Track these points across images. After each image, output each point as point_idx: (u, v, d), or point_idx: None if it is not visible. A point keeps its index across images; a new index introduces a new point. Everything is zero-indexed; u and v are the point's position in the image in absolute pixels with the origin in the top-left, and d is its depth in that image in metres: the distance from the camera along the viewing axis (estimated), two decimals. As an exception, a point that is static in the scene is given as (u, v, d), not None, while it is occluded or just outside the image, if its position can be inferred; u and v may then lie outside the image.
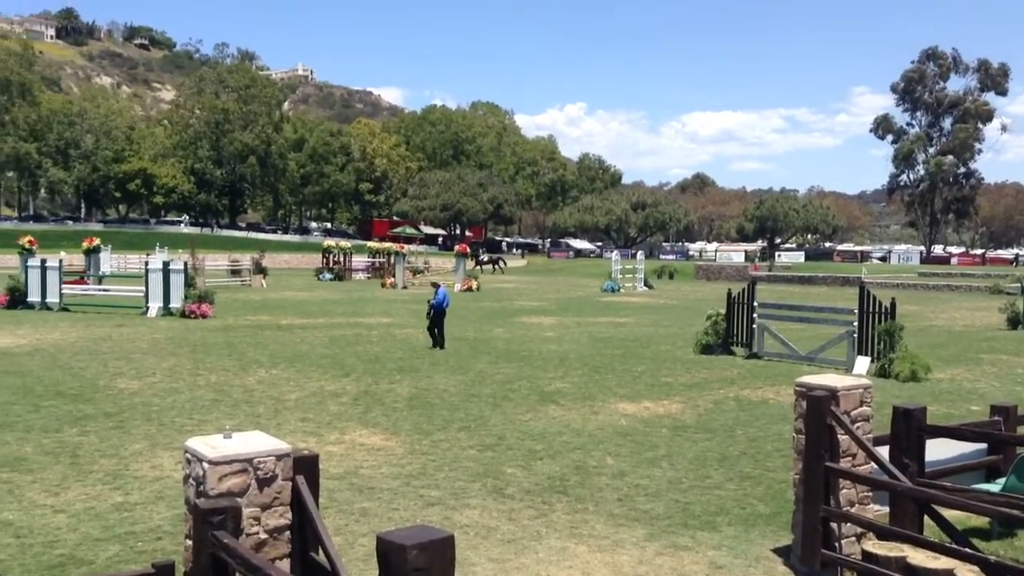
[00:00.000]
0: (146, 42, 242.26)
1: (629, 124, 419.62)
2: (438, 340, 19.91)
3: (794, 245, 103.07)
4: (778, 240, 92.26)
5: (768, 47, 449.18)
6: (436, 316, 20.09)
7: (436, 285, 21.27)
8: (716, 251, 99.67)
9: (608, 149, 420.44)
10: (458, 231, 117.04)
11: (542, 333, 23.73)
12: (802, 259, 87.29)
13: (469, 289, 43.32)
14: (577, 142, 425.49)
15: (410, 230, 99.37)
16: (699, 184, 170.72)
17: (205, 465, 4.11)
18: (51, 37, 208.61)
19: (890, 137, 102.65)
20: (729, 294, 20.62)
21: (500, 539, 7.38)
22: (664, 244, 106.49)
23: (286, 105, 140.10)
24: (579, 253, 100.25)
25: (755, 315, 19.74)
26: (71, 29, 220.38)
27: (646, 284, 49.10)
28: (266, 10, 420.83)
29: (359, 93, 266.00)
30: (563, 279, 62.74)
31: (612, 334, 23.79)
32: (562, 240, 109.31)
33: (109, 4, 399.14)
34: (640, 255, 53.88)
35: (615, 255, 54.64)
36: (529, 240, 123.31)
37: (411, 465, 9.66)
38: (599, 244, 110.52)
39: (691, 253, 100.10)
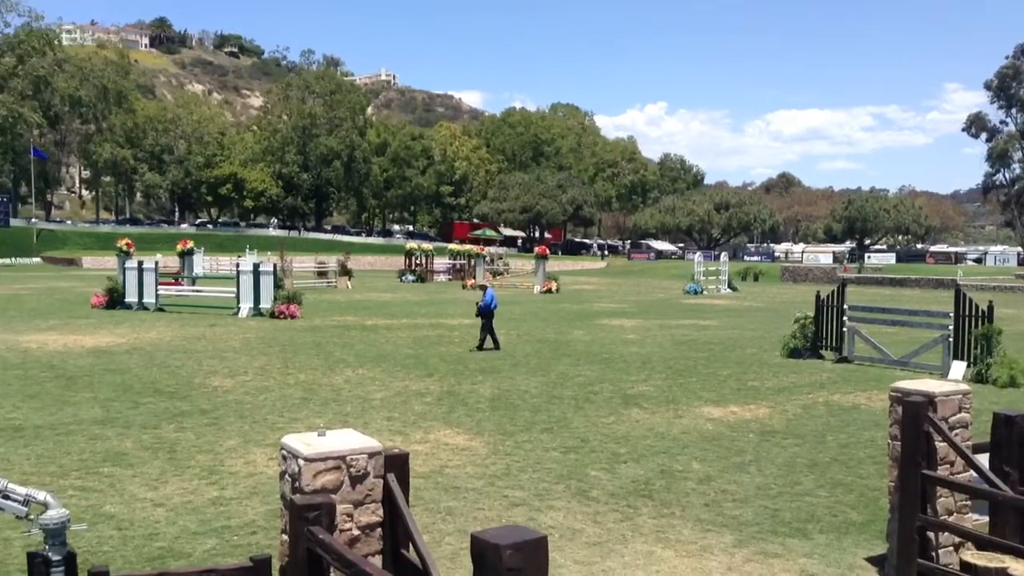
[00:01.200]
0: (236, 50, 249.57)
1: (711, 123, 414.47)
2: (489, 341, 19.96)
3: (884, 246, 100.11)
4: (867, 241, 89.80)
5: (856, 43, 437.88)
6: (484, 318, 20.18)
7: (483, 287, 21.59)
8: (803, 252, 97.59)
9: (690, 149, 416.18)
10: (537, 233, 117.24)
11: (623, 335, 23.57)
12: (893, 261, 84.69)
13: (549, 291, 43.34)
14: (658, 142, 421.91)
15: (490, 232, 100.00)
16: (784, 184, 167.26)
17: (300, 462, 4.20)
18: (145, 46, 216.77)
19: (984, 135, 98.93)
20: (818, 296, 20.14)
21: (585, 542, 7.36)
22: (748, 245, 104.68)
23: (369, 110, 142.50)
24: (660, 255, 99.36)
25: (845, 318, 19.23)
26: (164, 38, 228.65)
27: (730, 286, 48.33)
28: (351, 17, 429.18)
29: (440, 97, 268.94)
30: (644, 281, 62.23)
31: (695, 337, 23.49)
32: (642, 241, 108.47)
33: (200, 13, 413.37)
34: (724, 256, 53.10)
35: (698, 256, 53.97)
36: (609, 241, 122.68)
37: (495, 465, 9.71)
38: (681, 246, 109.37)
39: (776, 255, 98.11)
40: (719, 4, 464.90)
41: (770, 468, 9.83)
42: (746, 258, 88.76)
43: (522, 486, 8.95)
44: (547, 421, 12.13)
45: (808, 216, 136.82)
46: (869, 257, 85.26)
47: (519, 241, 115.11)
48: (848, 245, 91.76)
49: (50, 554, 3.70)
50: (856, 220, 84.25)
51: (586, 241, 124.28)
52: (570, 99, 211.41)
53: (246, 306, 27.67)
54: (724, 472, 9.62)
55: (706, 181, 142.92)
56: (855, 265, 75.56)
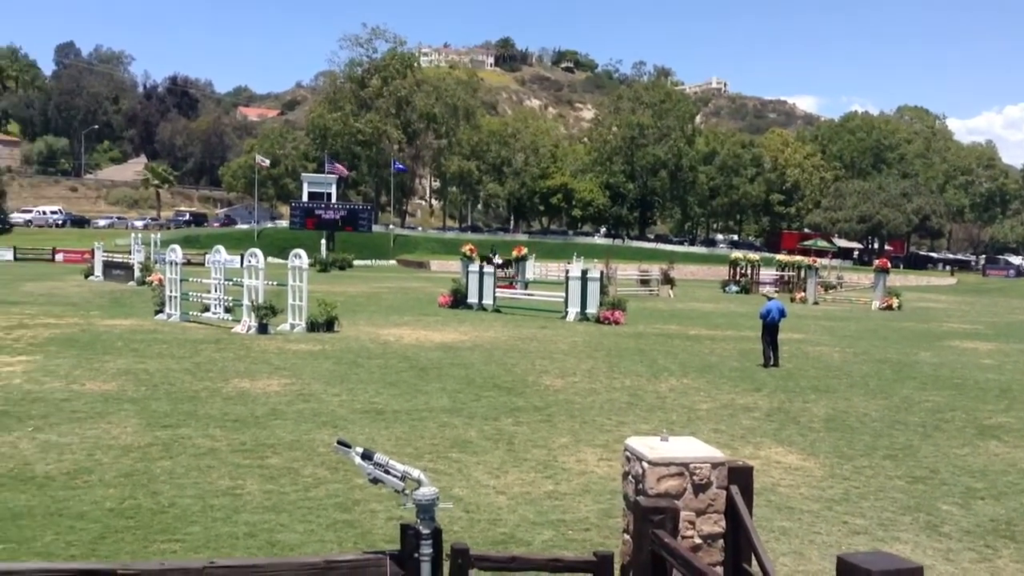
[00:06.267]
0: (571, 65, 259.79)
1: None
2: (770, 357, 18.76)
3: None
4: None
5: None
6: (766, 330, 18.99)
7: (768, 297, 20.35)
8: None
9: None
10: (876, 244, 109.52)
11: (978, 360, 21.28)
12: None
13: (889, 307, 40.26)
14: (1019, 147, 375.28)
15: (822, 243, 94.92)
16: None
17: (644, 464, 4.28)
18: (491, 65, 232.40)
19: None
20: None
21: (936, 581, 6.75)
22: None
23: (698, 118, 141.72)
24: (1021, 272, 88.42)
25: None
26: (508, 57, 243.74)
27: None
28: (682, 26, 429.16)
29: (772, 103, 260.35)
30: (1002, 301, 55.75)
31: (1068, 366, 20.61)
32: (1000, 256, 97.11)
33: (542, 32, 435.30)
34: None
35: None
36: (959, 256, 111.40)
37: (832, 489, 9.21)
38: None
39: None
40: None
41: None
42: None
43: (863, 513, 8.41)
44: (890, 447, 11.29)
45: None
46: None
47: (855, 253, 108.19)
48: None
49: (421, 528, 4.08)
50: None
51: (932, 255, 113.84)
52: (917, 101, 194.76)
53: (573, 310, 28.66)
54: (1109, 524, 8.35)
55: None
56: None
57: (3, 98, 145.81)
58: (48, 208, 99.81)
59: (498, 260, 53.49)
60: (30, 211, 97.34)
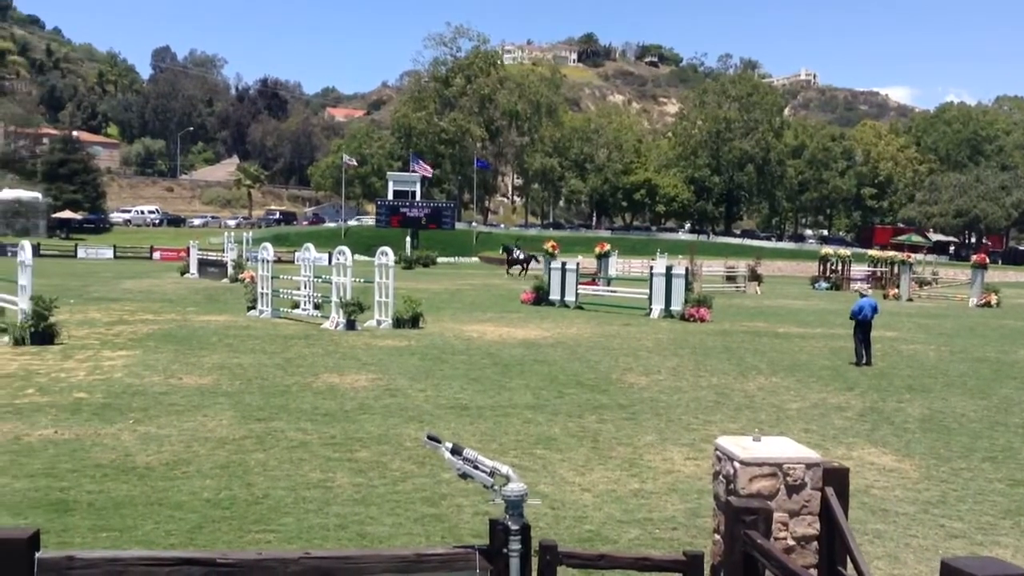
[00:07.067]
0: (655, 59, 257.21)
1: None
2: (862, 355, 18.16)
3: None
4: None
5: None
6: (858, 328, 18.36)
7: (861, 294, 19.75)
8: None
9: None
10: (973, 239, 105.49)
11: (1086, 360, 20.28)
12: None
13: (987, 304, 38.75)
14: None
15: (916, 238, 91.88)
16: None
17: (736, 464, 4.21)
18: (573, 61, 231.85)
19: None
20: None
21: (1042, 591, 6.46)
22: None
23: (786, 111, 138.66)
24: None
25: None
26: (590, 52, 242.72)
27: None
28: (770, 18, 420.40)
29: (864, 94, 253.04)
30: (1112, 298, 52.99)
31: None
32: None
33: (626, 26, 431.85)
34: None
35: None
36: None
37: (928, 492, 8.91)
38: None
39: None
40: None
41: None
42: None
43: (961, 517, 8.11)
44: (989, 449, 10.87)
45: None
46: None
47: (951, 248, 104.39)
48: None
49: (509, 523, 4.10)
50: None
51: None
52: (1016, 91, 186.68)
53: (657, 307, 28.39)
54: None
55: None
56: None
57: (103, 102, 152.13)
58: (146, 208, 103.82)
59: (519, 254, 52.96)
60: (129, 211, 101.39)
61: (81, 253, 68.46)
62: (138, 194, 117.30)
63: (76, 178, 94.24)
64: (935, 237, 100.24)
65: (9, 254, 45.43)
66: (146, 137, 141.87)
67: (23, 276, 18.67)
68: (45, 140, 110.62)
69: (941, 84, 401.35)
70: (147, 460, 9.17)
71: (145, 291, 33.88)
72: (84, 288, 33.59)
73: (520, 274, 51.34)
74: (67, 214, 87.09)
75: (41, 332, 17.77)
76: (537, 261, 53.54)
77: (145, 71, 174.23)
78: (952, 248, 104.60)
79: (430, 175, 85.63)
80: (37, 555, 3.45)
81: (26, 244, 19.42)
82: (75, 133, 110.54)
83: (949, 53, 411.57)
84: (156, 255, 68.48)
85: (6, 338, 17.97)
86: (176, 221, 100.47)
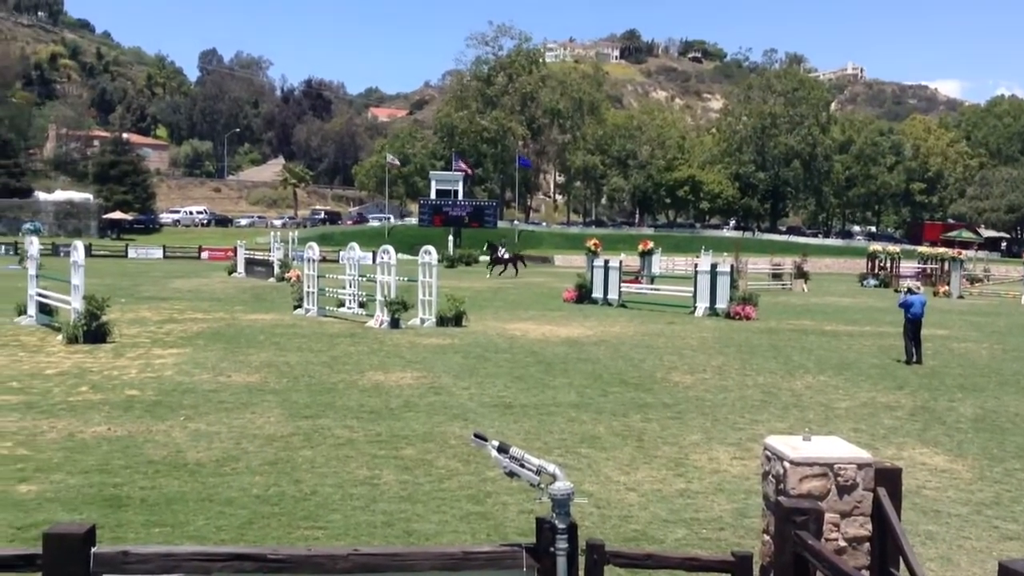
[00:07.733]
0: (699, 55, 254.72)
1: None
2: (913, 353, 17.80)
3: None
4: None
5: None
6: (908, 325, 17.98)
7: (910, 291, 19.13)
8: None
9: None
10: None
11: None
12: None
13: (1043, 302, 37.80)
14: None
15: (967, 234, 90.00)
16: None
17: (786, 464, 4.16)
18: (616, 58, 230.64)
19: None
20: None
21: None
22: None
23: (833, 106, 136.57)
24: None
25: None
26: (633, 49, 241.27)
27: None
28: (816, 11, 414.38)
29: (912, 88, 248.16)
30: None
31: None
32: None
33: (669, 22, 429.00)
34: None
35: None
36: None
37: (982, 492, 8.73)
38: None
39: None
40: None
41: None
42: None
43: (1016, 518, 7.94)
44: (1046, 450, 10.61)
45: None
46: None
47: (1003, 244, 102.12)
48: None
49: (556, 522, 4.09)
50: None
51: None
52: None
53: (702, 305, 28.15)
54: None
55: None
56: None
57: (152, 104, 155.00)
58: (194, 208, 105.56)
59: (504, 253, 51.04)
60: (177, 211, 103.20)
61: (132, 253, 69.86)
62: (186, 195, 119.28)
63: (126, 179, 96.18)
64: (986, 233, 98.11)
65: (62, 254, 46.54)
66: (194, 139, 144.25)
67: (76, 276, 19.08)
68: (96, 142, 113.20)
69: (992, 77, 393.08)
70: (197, 457, 9.32)
71: (194, 290, 34.44)
72: (135, 287, 34.25)
73: (502, 275, 48.41)
74: (118, 215, 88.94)
75: (94, 331, 18.15)
76: (524, 264, 52.23)
77: (192, 73, 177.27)
78: (1004, 244, 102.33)
79: (471, 174, 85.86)
80: (93, 550, 3.53)
81: (79, 244, 19.85)
82: (125, 135, 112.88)
83: (1000, 45, 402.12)
84: (204, 255, 69.63)
85: (60, 336, 18.39)
86: (223, 221, 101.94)
